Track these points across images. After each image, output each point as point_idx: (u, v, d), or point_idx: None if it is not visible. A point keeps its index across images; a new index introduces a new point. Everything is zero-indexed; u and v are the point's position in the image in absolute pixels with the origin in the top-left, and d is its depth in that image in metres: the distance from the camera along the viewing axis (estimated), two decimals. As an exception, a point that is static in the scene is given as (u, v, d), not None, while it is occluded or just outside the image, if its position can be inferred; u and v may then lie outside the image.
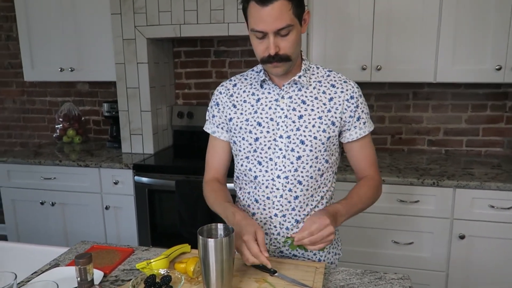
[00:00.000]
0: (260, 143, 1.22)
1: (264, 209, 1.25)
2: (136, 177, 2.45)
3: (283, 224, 1.24)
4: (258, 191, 1.25)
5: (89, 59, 2.72)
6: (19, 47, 2.83)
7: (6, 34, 3.24)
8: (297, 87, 1.22)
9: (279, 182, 1.22)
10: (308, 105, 1.20)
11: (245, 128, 1.24)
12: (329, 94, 1.21)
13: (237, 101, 1.27)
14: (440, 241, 2.12)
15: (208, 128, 1.35)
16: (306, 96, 1.21)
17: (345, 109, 1.21)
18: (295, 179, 1.21)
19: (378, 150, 2.69)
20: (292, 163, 1.20)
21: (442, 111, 2.59)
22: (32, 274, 1.19)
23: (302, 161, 1.20)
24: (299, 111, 1.20)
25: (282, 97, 1.21)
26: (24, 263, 1.41)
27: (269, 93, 1.24)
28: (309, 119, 1.19)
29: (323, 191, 1.27)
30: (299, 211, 1.23)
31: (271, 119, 1.21)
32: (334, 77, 1.24)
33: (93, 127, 3.25)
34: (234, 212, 1.15)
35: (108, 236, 2.60)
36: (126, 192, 2.50)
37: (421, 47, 2.23)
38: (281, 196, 1.22)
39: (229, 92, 1.29)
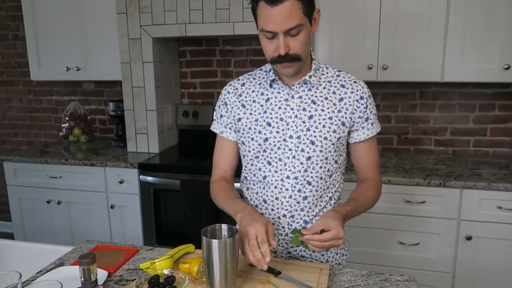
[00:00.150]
0: (270, 143, 1.21)
1: (273, 210, 1.24)
2: (141, 176, 2.46)
3: (291, 225, 1.23)
4: (267, 191, 1.24)
5: (95, 58, 2.73)
6: (26, 47, 2.85)
7: (13, 33, 3.26)
8: (307, 87, 1.21)
9: (288, 183, 1.21)
10: (318, 105, 1.19)
11: (255, 128, 1.22)
12: (339, 94, 1.21)
13: (246, 101, 1.26)
14: (447, 242, 2.10)
15: (215, 128, 1.33)
16: (316, 96, 1.20)
17: (355, 109, 1.20)
18: (304, 179, 1.20)
19: (384, 150, 2.69)
20: (301, 163, 1.19)
21: (449, 111, 2.57)
22: (37, 273, 1.20)
23: (312, 162, 1.19)
24: (310, 111, 1.19)
25: (292, 97, 1.20)
26: (30, 261, 1.41)
27: (278, 92, 1.22)
28: (319, 120, 1.18)
29: (332, 192, 1.26)
30: (307, 211, 1.23)
31: (281, 119, 1.20)
32: (344, 77, 1.23)
33: (99, 126, 3.26)
34: (245, 206, 1.14)
35: (114, 235, 2.61)
36: (131, 191, 2.51)
37: (428, 46, 2.21)
38: (290, 196, 1.21)
39: (237, 91, 1.28)
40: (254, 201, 1.29)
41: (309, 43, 1.13)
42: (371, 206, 1.27)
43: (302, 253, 1.27)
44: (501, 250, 2.03)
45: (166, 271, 1.06)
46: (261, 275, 1.12)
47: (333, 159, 1.22)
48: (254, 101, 1.25)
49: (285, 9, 1.03)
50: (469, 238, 2.05)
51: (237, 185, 1.34)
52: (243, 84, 1.29)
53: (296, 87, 1.20)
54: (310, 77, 1.19)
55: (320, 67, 1.24)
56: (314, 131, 1.18)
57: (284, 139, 1.20)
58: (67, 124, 3.11)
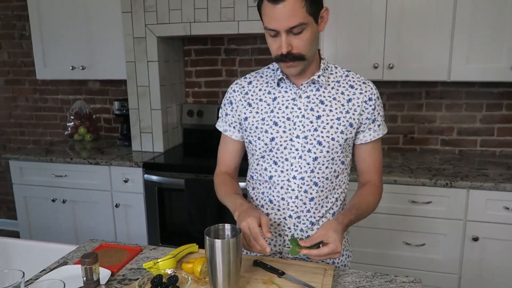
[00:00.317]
0: (276, 143, 1.19)
1: (279, 210, 1.23)
2: (145, 175, 2.46)
3: (297, 226, 1.22)
4: (273, 191, 1.23)
5: (100, 57, 2.73)
6: (32, 46, 2.86)
7: (20, 33, 3.27)
8: (315, 86, 1.19)
9: (295, 183, 1.20)
10: (326, 105, 1.18)
11: (261, 128, 1.21)
12: (348, 95, 1.19)
13: (252, 100, 1.24)
14: (453, 243, 2.07)
15: (220, 126, 1.33)
16: (324, 96, 1.19)
17: (363, 110, 1.19)
18: (311, 180, 1.19)
19: (390, 150, 2.67)
20: (308, 164, 1.18)
21: (456, 110, 2.54)
22: (40, 272, 1.20)
23: (319, 162, 1.18)
24: (317, 111, 1.18)
25: (300, 97, 1.19)
26: (33, 260, 1.42)
27: (286, 92, 1.21)
28: (327, 120, 1.17)
29: (338, 193, 1.25)
30: (314, 213, 1.21)
31: (288, 119, 1.19)
32: (353, 77, 1.22)
33: (104, 125, 3.27)
34: (242, 203, 1.15)
35: (118, 234, 2.62)
36: (136, 190, 2.51)
37: (434, 44, 2.18)
38: (296, 197, 1.20)
39: (243, 90, 1.26)
40: (260, 201, 1.27)
41: (314, 42, 1.11)
42: (371, 212, 1.25)
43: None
44: (508, 251, 2.01)
45: (169, 271, 1.06)
46: (265, 275, 1.11)
47: (339, 160, 1.20)
48: (260, 100, 1.23)
49: (287, 7, 1.02)
50: (475, 239, 2.03)
51: (242, 184, 1.34)
52: (250, 83, 1.27)
53: (304, 87, 1.19)
54: (318, 76, 1.18)
55: (328, 66, 1.23)
56: (322, 132, 1.17)
57: (291, 139, 1.18)
58: (72, 123, 3.12)
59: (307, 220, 1.22)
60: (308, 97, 1.19)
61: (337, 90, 1.19)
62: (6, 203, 3.66)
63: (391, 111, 2.63)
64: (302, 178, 1.19)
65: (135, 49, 2.59)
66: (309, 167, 1.18)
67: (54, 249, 1.41)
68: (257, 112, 1.23)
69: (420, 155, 2.56)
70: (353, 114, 1.18)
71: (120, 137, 2.99)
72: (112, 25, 2.65)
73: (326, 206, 1.23)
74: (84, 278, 0.81)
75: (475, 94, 2.49)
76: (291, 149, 1.18)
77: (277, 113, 1.20)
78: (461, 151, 2.58)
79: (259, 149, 1.22)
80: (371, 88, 1.21)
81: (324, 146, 1.17)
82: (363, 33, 2.27)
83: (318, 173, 1.19)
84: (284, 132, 1.19)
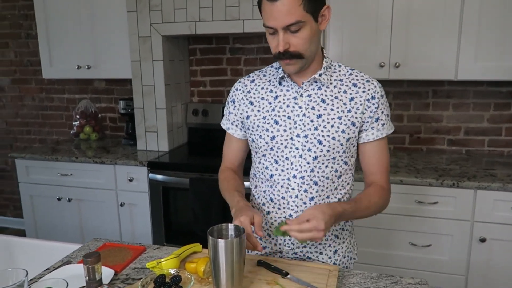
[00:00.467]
0: (277, 141, 1.19)
1: (279, 209, 1.22)
2: (150, 175, 2.46)
3: None
4: (274, 190, 1.22)
5: (105, 56, 2.74)
6: (38, 45, 2.87)
7: (26, 32, 3.29)
8: (317, 85, 1.18)
9: (295, 182, 1.19)
10: (327, 104, 1.17)
11: (262, 126, 1.21)
12: (350, 93, 1.17)
13: (254, 98, 1.25)
14: (460, 244, 2.05)
15: (223, 124, 1.35)
16: (326, 95, 1.17)
17: (365, 109, 1.16)
18: (311, 179, 1.18)
19: (396, 150, 2.65)
20: (308, 163, 1.17)
21: (463, 110, 2.51)
22: (44, 270, 1.20)
23: (319, 161, 1.17)
24: (318, 110, 1.16)
25: (301, 95, 1.18)
26: (38, 258, 1.42)
27: (287, 90, 1.20)
28: (328, 119, 1.16)
29: (341, 193, 1.23)
30: None
31: (289, 117, 1.18)
32: (357, 75, 1.20)
33: (109, 124, 3.27)
34: (239, 200, 1.17)
35: (123, 232, 2.62)
36: (140, 189, 2.51)
37: (441, 43, 2.16)
38: (296, 196, 1.19)
39: (246, 88, 1.27)
40: (261, 199, 1.27)
41: (313, 41, 1.10)
42: (374, 212, 1.21)
43: (309, 255, 1.25)
44: (516, 253, 1.98)
45: (172, 271, 1.05)
46: (269, 276, 1.11)
47: (342, 160, 1.19)
48: (262, 98, 1.23)
49: (284, 5, 1.02)
50: (483, 240, 2.00)
51: (247, 183, 1.34)
52: (253, 81, 1.28)
53: (306, 85, 1.18)
54: (320, 75, 1.16)
55: (332, 65, 1.21)
56: (322, 131, 1.16)
57: (291, 137, 1.18)
58: (78, 122, 3.13)
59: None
60: (309, 95, 1.18)
61: (340, 88, 1.18)
62: (13, 201, 3.69)
63: (397, 110, 2.61)
64: (302, 177, 1.18)
65: (140, 48, 2.59)
66: (309, 166, 1.17)
67: (59, 248, 1.41)
68: (258, 111, 1.23)
69: (426, 155, 2.54)
70: (355, 112, 1.16)
71: (125, 136, 3.00)
72: (118, 24, 2.65)
73: None
74: (87, 278, 0.81)
75: (483, 93, 2.46)
76: (291, 148, 1.18)
77: (278, 111, 1.20)
78: (468, 151, 2.55)
79: (260, 147, 1.22)
80: (375, 86, 1.18)
81: (324, 145, 1.16)
82: (369, 32, 2.25)
83: (318, 172, 1.18)
84: (285, 130, 1.18)
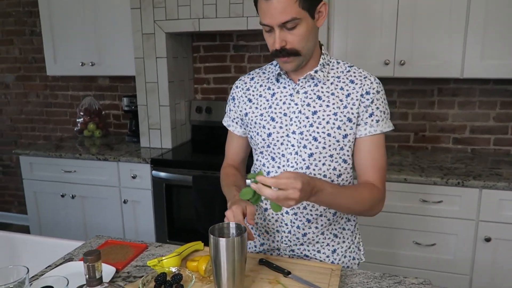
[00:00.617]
0: (273, 138, 1.19)
1: None
2: (153, 172, 2.46)
3: (294, 223, 1.21)
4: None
5: (109, 53, 2.73)
6: (43, 42, 2.87)
7: (30, 29, 3.30)
8: (313, 82, 1.17)
9: None
10: (323, 101, 1.16)
11: (259, 123, 1.22)
12: (347, 90, 1.16)
13: (253, 96, 1.26)
14: (464, 244, 2.03)
15: (225, 121, 1.37)
16: (322, 92, 1.16)
17: (360, 104, 1.14)
18: None
19: (401, 148, 2.63)
20: (304, 160, 1.16)
21: (469, 108, 2.49)
22: (46, 268, 1.20)
23: (315, 159, 1.16)
24: (314, 107, 1.16)
25: (297, 92, 1.18)
26: (40, 255, 1.42)
27: (284, 87, 1.20)
28: (323, 115, 1.15)
29: None
30: (310, 210, 1.19)
31: (285, 114, 1.18)
32: (355, 72, 1.18)
33: (113, 121, 3.28)
34: (236, 194, 1.17)
35: (126, 229, 2.62)
36: (144, 186, 2.51)
37: (447, 40, 2.13)
38: None
39: (245, 86, 1.28)
40: None
41: (310, 38, 1.09)
42: (362, 207, 1.12)
43: (306, 253, 1.24)
44: (522, 253, 1.96)
45: (173, 269, 1.05)
46: (270, 275, 1.10)
47: (340, 158, 1.17)
48: (260, 96, 1.24)
49: (279, 2, 1.01)
50: (488, 240, 1.98)
51: (248, 181, 1.34)
52: (252, 79, 1.29)
53: (302, 82, 1.18)
54: (316, 72, 1.16)
55: (330, 62, 1.20)
56: (317, 127, 1.15)
57: (287, 134, 1.17)
58: (82, 119, 3.13)
59: (304, 217, 1.20)
60: (305, 92, 1.17)
61: (337, 85, 1.17)
62: (17, 198, 3.71)
63: (402, 108, 2.58)
64: None
65: (143, 45, 2.59)
66: (305, 163, 1.16)
67: (61, 245, 1.41)
68: (256, 108, 1.23)
69: (431, 153, 2.51)
70: (351, 108, 1.14)
71: (129, 133, 3.00)
72: (121, 21, 2.64)
73: None
74: (87, 276, 0.80)
75: (489, 92, 2.43)
76: (287, 145, 1.17)
77: (275, 108, 1.20)
78: (473, 150, 2.52)
79: (258, 144, 1.23)
80: (371, 82, 1.16)
81: (319, 142, 1.14)
82: (374, 29, 2.23)
83: (314, 169, 1.16)
84: (281, 127, 1.18)
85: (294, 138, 1.16)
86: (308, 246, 1.23)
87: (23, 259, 1.45)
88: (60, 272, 1.12)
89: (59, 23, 2.79)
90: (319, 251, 1.24)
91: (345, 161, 1.18)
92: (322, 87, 1.17)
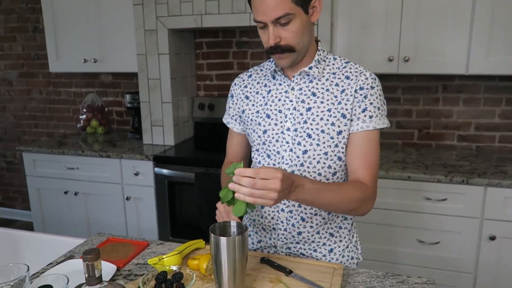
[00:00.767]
0: (268, 135, 1.19)
1: None
2: (156, 169, 2.45)
3: (289, 220, 1.20)
4: None
5: (112, 50, 2.73)
6: (45, 39, 2.87)
7: (33, 25, 3.29)
8: (308, 78, 1.16)
9: None
10: (318, 97, 1.14)
11: (255, 120, 1.22)
12: (342, 86, 1.14)
13: (250, 93, 1.26)
14: (469, 242, 2.02)
15: (225, 118, 1.37)
16: (317, 88, 1.15)
17: (353, 99, 1.12)
18: (301, 174, 1.15)
19: (404, 145, 2.60)
20: (298, 157, 1.15)
21: (474, 105, 2.46)
22: (47, 265, 1.20)
23: (309, 156, 1.14)
24: (308, 104, 1.14)
25: (292, 89, 1.17)
26: (42, 252, 1.42)
27: (280, 84, 1.20)
28: (317, 112, 1.13)
29: None
30: (305, 208, 1.18)
31: (280, 111, 1.17)
32: (351, 68, 1.16)
33: (116, 118, 3.27)
34: None
35: (129, 226, 2.62)
36: (146, 183, 2.51)
37: (452, 36, 2.11)
38: None
39: (243, 83, 1.29)
40: None
41: (305, 33, 1.08)
42: (348, 206, 1.07)
43: (302, 251, 1.23)
44: (527, 251, 1.94)
45: (174, 268, 1.04)
46: (272, 273, 1.09)
47: (335, 155, 1.15)
48: (257, 93, 1.24)
49: None
50: (492, 238, 1.96)
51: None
52: (250, 76, 1.29)
53: (297, 79, 1.17)
54: (310, 68, 1.14)
55: (326, 58, 1.18)
56: (311, 124, 1.13)
57: (282, 131, 1.17)
58: (84, 115, 3.13)
59: (298, 215, 1.19)
60: (300, 89, 1.16)
61: (332, 81, 1.15)
62: (22, 194, 3.72)
63: (406, 105, 2.56)
64: (292, 172, 1.16)
65: (146, 42, 2.58)
66: (299, 161, 1.15)
67: (63, 242, 1.41)
68: (253, 105, 1.23)
69: (435, 151, 2.49)
70: (345, 104, 1.12)
71: (131, 130, 3.00)
72: (124, 17, 2.63)
73: None
74: (86, 275, 0.80)
75: (495, 88, 2.41)
76: (282, 142, 1.17)
77: (270, 105, 1.19)
78: (478, 147, 2.50)
79: (254, 141, 1.23)
80: (366, 78, 1.13)
81: (314, 139, 1.13)
82: (377, 25, 2.20)
83: (308, 167, 1.15)
84: (276, 124, 1.17)
85: (289, 135, 1.16)
86: (304, 244, 1.23)
87: (25, 256, 1.45)
88: (61, 270, 1.11)
89: (62, 19, 2.79)
90: (315, 250, 1.23)
91: (340, 158, 1.16)
92: (317, 84, 1.16)
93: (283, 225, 1.21)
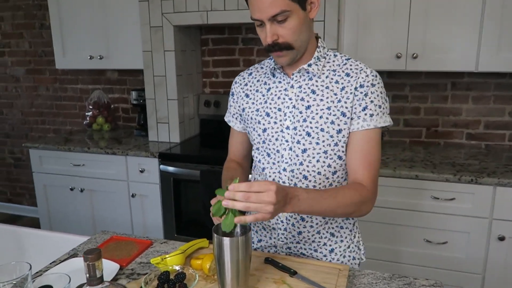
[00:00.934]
0: (268, 134, 1.17)
1: None
2: (161, 166, 2.45)
3: (289, 220, 1.19)
4: None
5: (118, 47, 2.72)
6: (52, 36, 2.87)
7: (40, 22, 3.30)
8: (308, 76, 1.14)
9: (285, 176, 1.16)
10: (317, 95, 1.12)
11: (255, 119, 1.20)
12: (342, 83, 1.11)
13: (250, 91, 1.24)
14: (477, 242, 1.98)
15: (226, 117, 1.37)
16: (316, 86, 1.13)
17: (354, 97, 1.10)
18: (300, 173, 1.14)
19: (412, 143, 2.57)
20: (297, 155, 1.14)
21: (484, 103, 2.42)
22: (50, 263, 1.19)
23: (308, 155, 1.13)
24: (308, 101, 1.13)
25: (292, 87, 1.15)
26: (46, 250, 1.42)
27: (279, 82, 1.18)
28: (316, 110, 1.11)
29: None
30: None
31: (279, 109, 1.16)
32: (351, 65, 1.14)
33: (122, 114, 3.27)
34: None
35: (134, 223, 2.63)
36: (151, 180, 2.51)
37: (462, 33, 2.07)
38: None
39: (244, 81, 1.27)
40: None
41: (303, 30, 1.06)
42: (346, 211, 1.06)
43: (303, 251, 1.22)
44: (537, 252, 1.91)
45: (176, 267, 1.03)
46: (276, 274, 1.07)
47: (335, 154, 1.12)
48: (257, 91, 1.23)
49: None
50: (501, 239, 1.93)
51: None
52: (251, 74, 1.27)
53: (296, 77, 1.15)
54: (309, 65, 1.12)
55: (327, 55, 1.16)
56: (311, 122, 1.11)
57: (281, 130, 1.15)
58: (91, 112, 3.14)
59: (298, 215, 1.17)
60: (300, 87, 1.14)
61: (332, 79, 1.13)
62: (29, 190, 3.74)
63: (414, 103, 2.52)
64: (292, 171, 1.15)
65: (151, 39, 2.57)
66: (298, 159, 1.14)
67: (67, 240, 1.41)
68: (253, 103, 1.22)
69: (444, 149, 2.46)
70: (345, 102, 1.10)
71: (137, 127, 2.99)
72: (130, 14, 2.62)
73: None
74: (87, 275, 0.79)
75: (505, 86, 2.36)
76: (281, 140, 1.15)
77: (270, 103, 1.18)
78: (488, 146, 2.46)
79: (254, 140, 1.23)
80: (367, 75, 1.10)
81: (313, 138, 1.11)
82: (385, 21, 2.17)
83: (308, 166, 1.13)
84: (275, 123, 1.16)
85: (288, 134, 1.14)
86: (304, 244, 1.21)
87: (29, 254, 1.46)
88: (64, 268, 1.11)
89: (68, 16, 2.78)
90: (315, 250, 1.21)
91: (340, 157, 1.14)
92: (316, 81, 1.13)
93: (283, 225, 1.20)
